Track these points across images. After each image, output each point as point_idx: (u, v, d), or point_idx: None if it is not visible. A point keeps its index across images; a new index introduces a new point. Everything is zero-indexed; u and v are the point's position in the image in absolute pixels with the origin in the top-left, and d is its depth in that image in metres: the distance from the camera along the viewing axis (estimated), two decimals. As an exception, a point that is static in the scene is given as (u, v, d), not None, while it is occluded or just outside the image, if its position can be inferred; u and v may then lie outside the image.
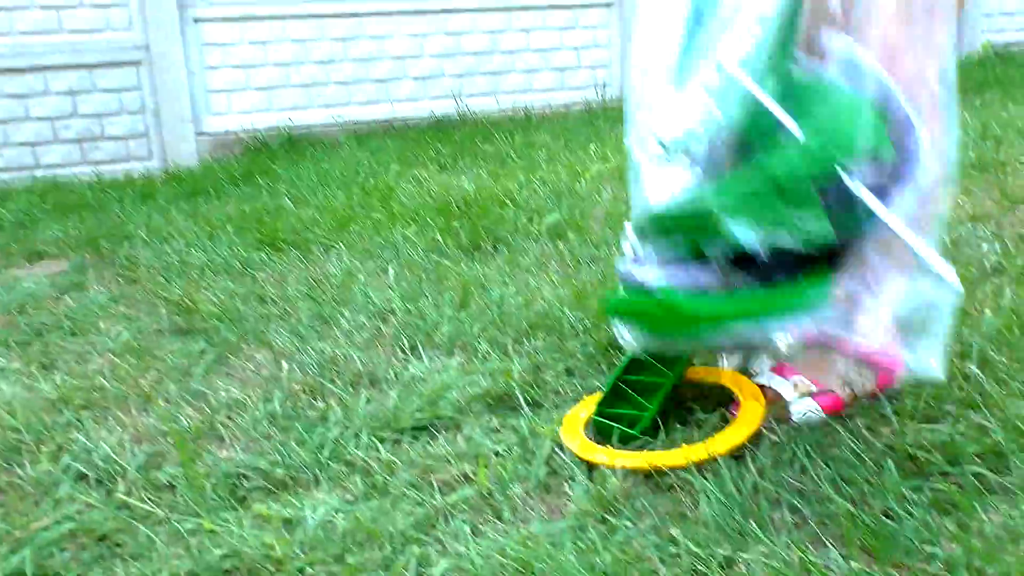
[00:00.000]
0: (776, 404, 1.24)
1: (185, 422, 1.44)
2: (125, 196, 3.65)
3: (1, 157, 4.35)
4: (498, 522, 1.08)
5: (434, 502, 1.13)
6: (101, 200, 3.62)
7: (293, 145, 4.59)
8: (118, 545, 1.11)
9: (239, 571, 1.03)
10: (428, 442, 1.31)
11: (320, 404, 1.46)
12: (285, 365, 1.65)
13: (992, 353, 1.32)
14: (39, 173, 4.36)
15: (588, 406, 1.32)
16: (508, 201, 2.64)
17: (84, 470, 1.29)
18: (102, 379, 1.64)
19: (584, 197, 2.64)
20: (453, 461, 1.23)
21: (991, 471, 1.04)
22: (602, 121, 4.47)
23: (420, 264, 2.21)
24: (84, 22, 4.40)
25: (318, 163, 3.91)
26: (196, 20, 4.59)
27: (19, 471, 1.31)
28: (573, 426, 1.27)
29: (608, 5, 5.36)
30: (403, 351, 1.67)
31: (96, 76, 4.48)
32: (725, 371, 1.34)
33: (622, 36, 5.39)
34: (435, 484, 1.18)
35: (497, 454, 1.25)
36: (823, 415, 1.23)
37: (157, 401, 1.54)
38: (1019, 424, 1.08)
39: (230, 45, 4.70)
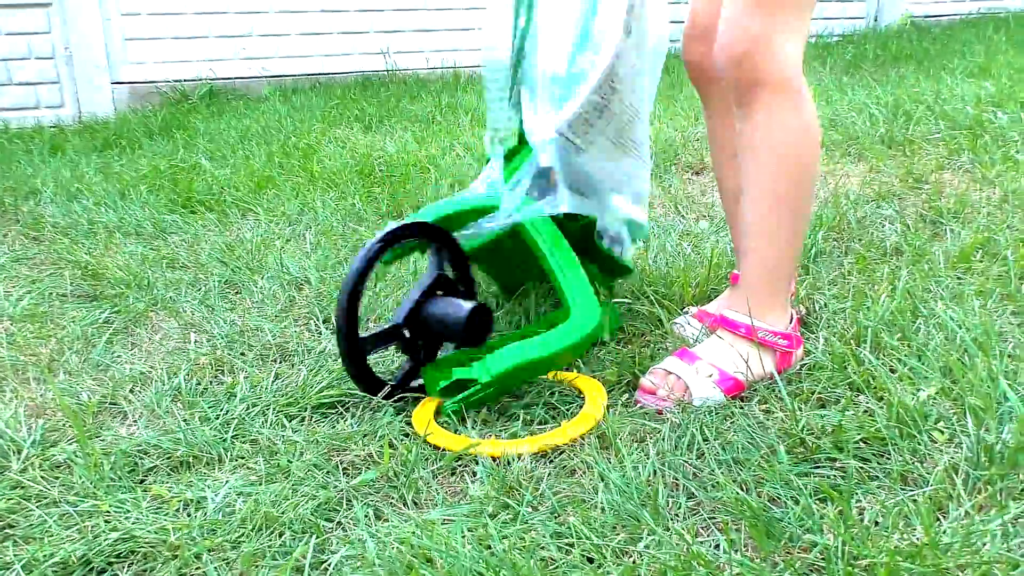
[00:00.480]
0: (679, 387, 1.27)
1: (86, 396, 1.40)
2: (33, 147, 3.50)
3: (-102, 101, 4.12)
4: (402, 507, 1.09)
5: (338, 484, 1.13)
6: (7, 150, 3.47)
7: (214, 98, 4.45)
8: (10, 527, 1.08)
9: (134, 556, 1.01)
10: (336, 420, 1.31)
11: (227, 379, 1.44)
12: (193, 336, 1.62)
13: (885, 337, 1.37)
14: (-60, 119, 4.15)
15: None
16: (430, 167, 2.62)
17: (-24, 447, 1.25)
18: (-1, 349, 1.59)
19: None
20: (360, 441, 1.23)
21: (874, 457, 1.09)
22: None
23: (338, 231, 2.18)
24: (-12, -41, 4.17)
25: (240, 118, 3.80)
26: (110, -38, 4.39)
27: (-94, 448, 1.26)
28: (425, 415, 1.29)
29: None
30: (316, 323, 1.66)
31: (2, 17, 4.26)
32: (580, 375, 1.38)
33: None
34: (340, 466, 1.18)
35: (406, 434, 1.26)
36: (724, 398, 1.27)
37: (57, 373, 1.50)
38: (901, 411, 1.13)
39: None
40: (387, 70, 4.96)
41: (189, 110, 4.15)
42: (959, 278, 1.62)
